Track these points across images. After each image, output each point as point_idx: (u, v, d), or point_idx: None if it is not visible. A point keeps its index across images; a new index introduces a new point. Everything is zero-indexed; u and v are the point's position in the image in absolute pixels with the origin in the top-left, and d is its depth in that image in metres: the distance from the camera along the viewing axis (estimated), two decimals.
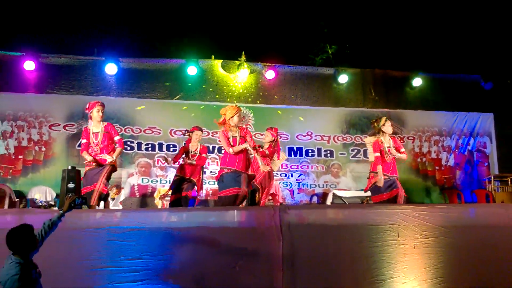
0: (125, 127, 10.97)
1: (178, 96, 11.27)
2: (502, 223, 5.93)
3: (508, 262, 5.73)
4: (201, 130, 8.60)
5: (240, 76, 11.65)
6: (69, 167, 8.79)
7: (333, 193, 10.09)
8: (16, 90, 10.68)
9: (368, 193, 9.91)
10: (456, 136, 12.31)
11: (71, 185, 8.17)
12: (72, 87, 10.99)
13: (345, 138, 11.94)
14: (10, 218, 5.10)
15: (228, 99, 11.55)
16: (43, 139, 10.66)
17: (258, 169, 8.14)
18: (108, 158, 7.15)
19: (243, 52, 11.53)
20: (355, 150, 11.91)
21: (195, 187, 8.31)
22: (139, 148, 10.87)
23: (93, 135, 7.29)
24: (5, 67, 10.68)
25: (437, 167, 12.24)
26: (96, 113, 7.30)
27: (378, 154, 7.69)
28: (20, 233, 4.03)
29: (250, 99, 11.67)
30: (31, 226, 4.11)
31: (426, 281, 5.61)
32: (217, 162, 10.74)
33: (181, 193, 8.12)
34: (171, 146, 11.07)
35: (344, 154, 11.85)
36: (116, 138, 7.48)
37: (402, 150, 7.81)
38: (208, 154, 8.93)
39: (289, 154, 11.40)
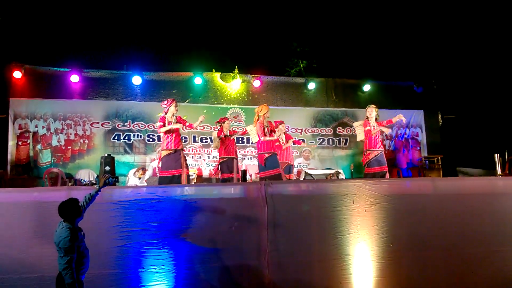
0: (148, 124, 10.90)
1: (187, 100, 11.18)
2: (430, 192, 5.97)
3: (434, 221, 5.78)
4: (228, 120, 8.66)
5: (234, 85, 11.60)
6: (106, 155, 8.82)
7: (305, 172, 10.09)
8: (65, 97, 10.58)
9: (331, 171, 9.98)
10: (396, 128, 12.34)
11: (107, 168, 8.18)
12: (107, 94, 10.89)
13: (313, 130, 11.93)
14: (62, 193, 5.06)
15: (225, 102, 11.52)
16: (86, 133, 10.58)
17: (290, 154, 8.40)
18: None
19: (236, 67, 11.50)
20: (321, 139, 11.92)
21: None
22: (159, 140, 10.80)
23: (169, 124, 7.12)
24: (56, 79, 10.56)
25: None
26: (173, 107, 7.17)
27: (368, 127, 7.82)
28: (69, 204, 4.02)
29: (242, 102, 11.63)
30: (77, 199, 4.09)
31: (374, 236, 5.66)
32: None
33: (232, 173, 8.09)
34: (183, 138, 11.00)
35: (313, 142, 11.84)
36: (187, 124, 7.35)
37: (383, 125, 7.86)
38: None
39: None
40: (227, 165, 8.16)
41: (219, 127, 8.54)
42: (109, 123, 10.73)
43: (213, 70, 11.66)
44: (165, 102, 7.27)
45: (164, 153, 7.04)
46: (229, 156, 8.15)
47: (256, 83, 11.64)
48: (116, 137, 10.73)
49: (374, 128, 7.77)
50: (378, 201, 5.73)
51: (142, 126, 10.88)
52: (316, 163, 11.73)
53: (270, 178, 7.08)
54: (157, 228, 5.27)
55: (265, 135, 7.35)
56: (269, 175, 7.20)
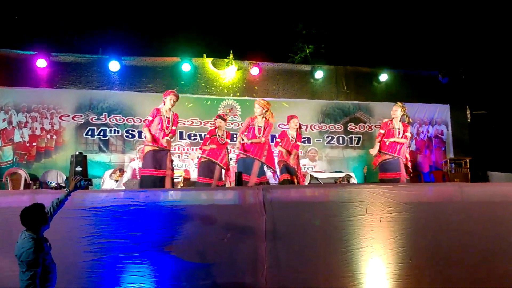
0: (127, 117, 10.89)
1: (174, 90, 11.18)
2: (455, 199, 5.97)
3: (460, 233, 5.78)
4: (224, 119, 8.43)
5: (228, 73, 11.60)
6: (77, 153, 8.81)
7: (310, 175, 10.09)
8: (30, 85, 10.54)
9: (340, 174, 10.00)
10: (417, 124, 12.35)
11: (78, 169, 8.16)
12: (79, 82, 10.87)
13: (320, 127, 11.94)
14: (25, 198, 5.04)
15: (217, 93, 11.52)
16: (54, 128, 10.55)
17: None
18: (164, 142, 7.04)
19: (231, 51, 11.48)
20: (329, 137, 11.93)
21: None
22: (139, 136, 10.77)
23: (165, 119, 7.13)
24: (20, 64, 10.52)
25: None
26: (168, 101, 7.19)
27: (382, 131, 7.84)
28: (33, 211, 3.99)
29: (237, 93, 11.63)
30: (42, 204, 4.07)
31: (390, 250, 5.65)
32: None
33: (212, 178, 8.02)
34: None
35: (320, 140, 11.87)
36: (173, 127, 7.29)
37: (406, 134, 7.79)
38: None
39: (272, 141, 11.37)
40: (207, 166, 8.09)
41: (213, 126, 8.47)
42: (81, 116, 10.70)
43: (204, 55, 11.66)
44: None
45: (147, 148, 7.03)
46: (211, 159, 8.08)
47: (254, 71, 11.64)
48: (90, 133, 10.71)
49: (395, 134, 7.72)
50: (395, 210, 5.71)
51: (120, 120, 10.86)
52: (324, 165, 11.74)
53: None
54: (136, 240, 5.25)
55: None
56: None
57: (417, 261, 5.67)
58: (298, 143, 8.33)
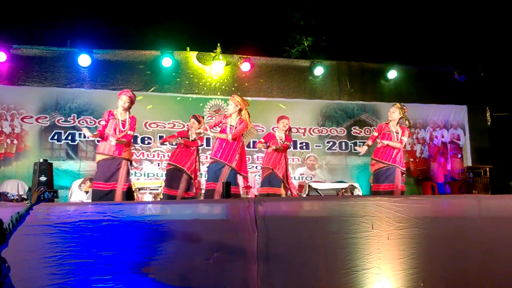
0: (99, 119, 10.75)
1: (153, 88, 11.18)
2: (474, 214, 5.98)
3: (480, 253, 5.79)
4: (199, 121, 8.36)
5: (215, 68, 11.61)
6: (41, 160, 8.74)
7: (309, 185, 10.07)
8: None
9: (343, 185, 10.01)
10: (430, 128, 12.42)
11: (43, 178, 8.10)
12: (44, 79, 10.83)
13: (320, 131, 11.98)
14: None
15: (203, 92, 11.51)
16: (15, 131, 10.50)
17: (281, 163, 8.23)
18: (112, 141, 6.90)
19: (219, 44, 11.48)
20: (331, 143, 11.96)
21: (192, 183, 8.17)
22: None
23: (120, 123, 7.08)
24: None
25: (411, 159, 12.34)
26: (120, 102, 7.16)
27: (376, 134, 7.93)
28: None
29: (225, 92, 11.62)
30: (0, 220, 4.03)
31: (400, 272, 5.64)
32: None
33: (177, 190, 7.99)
34: (146, 138, 11.00)
35: (320, 146, 11.90)
36: (130, 132, 7.19)
37: (402, 138, 7.79)
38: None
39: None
40: (172, 175, 8.09)
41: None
42: (46, 117, 10.67)
43: (187, 48, 11.67)
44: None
45: (98, 157, 6.99)
46: (177, 165, 8.06)
47: (245, 67, 11.66)
48: (56, 137, 10.66)
49: (390, 138, 7.75)
50: (405, 226, 5.72)
51: (90, 122, 10.82)
52: (324, 174, 11.78)
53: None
54: (109, 260, 5.21)
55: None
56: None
57: (430, 285, 5.66)
58: (287, 143, 8.31)
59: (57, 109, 10.72)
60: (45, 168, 8.37)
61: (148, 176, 10.85)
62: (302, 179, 11.47)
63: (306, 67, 12.20)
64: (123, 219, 5.33)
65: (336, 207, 5.84)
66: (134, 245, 5.28)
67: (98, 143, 7.23)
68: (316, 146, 11.87)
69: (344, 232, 5.62)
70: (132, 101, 7.26)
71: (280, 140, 8.29)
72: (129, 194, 7.09)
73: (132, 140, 7.38)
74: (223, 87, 11.67)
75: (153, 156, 10.93)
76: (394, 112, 7.90)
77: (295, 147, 11.63)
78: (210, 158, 7.55)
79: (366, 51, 13.47)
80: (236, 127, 7.43)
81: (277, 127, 8.52)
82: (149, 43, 11.84)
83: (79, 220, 5.27)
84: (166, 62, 11.22)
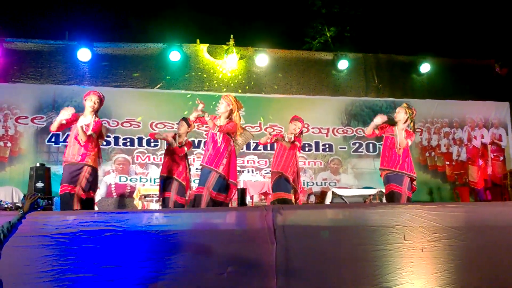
0: (101, 119, 10.88)
1: (159, 85, 11.23)
2: None
3: None
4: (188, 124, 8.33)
5: (228, 62, 11.64)
6: (38, 165, 8.78)
7: (333, 192, 10.07)
8: None
9: (371, 191, 9.98)
10: (468, 127, 12.34)
11: (39, 184, 8.14)
12: (40, 75, 10.94)
13: (345, 131, 11.95)
14: None
15: (214, 89, 11.53)
16: (9, 133, 10.61)
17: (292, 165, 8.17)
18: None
19: (232, 36, 11.51)
20: (357, 144, 11.92)
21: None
22: (116, 143, 10.83)
23: (83, 127, 6.91)
24: None
25: (447, 162, 12.27)
26: (87, 102, 7.03)
27: (377, 132, 7.73)
28: None
29: (239, 88, 11.65)
30: None
31: None
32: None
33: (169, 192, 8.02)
34: (152, 140, 11.03)
35: (345, 148, 11.86)
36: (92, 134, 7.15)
37: (407, 140, 7.69)
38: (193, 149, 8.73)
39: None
40: (164, 182, 8.11)
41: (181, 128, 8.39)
42: (42, 117, 10.76)
43: (198, 40, 11.71)
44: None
45: (64, 164, 7.06)
46: (167, 176, 8.08)
47: (261, 60, 11.69)
48: (53, 139, 10.75)
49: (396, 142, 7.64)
50: (441, 237, 5.69)
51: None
52: (350, 180, 11.75)
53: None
54: (112, 275, 5.24)
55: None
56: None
57: None
58: (296, 142, 8.19)
59: (55, 108, 10.78)
60: (42, 173, 8.41)
61: (155, 182, 10.87)
62: (325, 185, 11.46)
63: (328, 61, 12.20)
64: (127, 229, 5.36)
65: (363, 216, 5.83)
66: (139, 258, 5.30)
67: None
68: (340, 148, 11.83)
69: (372, 244, 5.60)
70: (101, 103, 7.17)
71: (288, 140, 8.05)
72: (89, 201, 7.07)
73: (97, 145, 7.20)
74: (237, 83, 11.70)
75: (160, 160, 10.94)
76: (399, 112, 7.67)
77: (317, 149, 11.62)
78: (200, 164, 7.58)
79: (395, 41, 13.39)
80: (226, 126, 7.37)
81: (288, 127, 8.28)
82: (155, 35, 11.88)
83: (79, 230, 5.30)
84: (174, 56, 11.26)
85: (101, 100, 7.16)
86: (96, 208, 9.40)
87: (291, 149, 8.08)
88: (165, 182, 8.05)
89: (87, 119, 6.97)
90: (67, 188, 6.82)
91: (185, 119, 8.28)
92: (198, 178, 7.52)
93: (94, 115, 7.09)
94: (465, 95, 12.25)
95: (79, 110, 10.63)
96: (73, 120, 6.95)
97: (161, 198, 8.19)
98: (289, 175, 8.04)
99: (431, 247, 5.66)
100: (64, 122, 6.89)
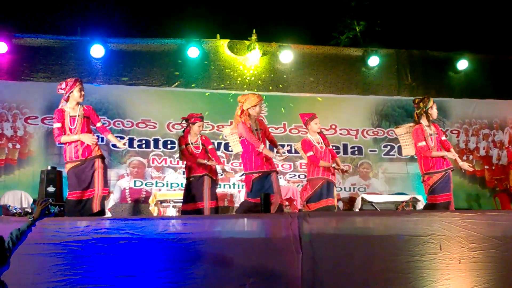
0: (114, 120, 10.98)
1: (176, 83, 11.27)
2: None
3: None
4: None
5: (250, 59, 11.67)
6: (49, 168, 8.80)
7: (362, 198, 10.05)
8: None
9: (404, 197, 9.93)
10: (510, 129, 12.24)
11: (51, 189, 8.15)
12: (51, 73, 11.02)
13: (376, 132, 11.90)
14: None
15: (235, 87, 11.54)
16: (18, 134, 10.71)
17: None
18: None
19: (254, 30, 11.52)
20: (388, 147, 11.86)
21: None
22: (131, 145, 10.87)
23: (70, 120, 6.99)
24: None
25: (486, 167, 12.17)
26: (76, 93, 6.96)
27: (423, 143, 7.40)
28: None
29: (262, 86, 11.67)
30: (1, 237, 4.10)
31: None
32: (224, 161, 10.61)
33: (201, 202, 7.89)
34: (169, 142, 11.07)
35: (375, 151, 11.81)
36: (98, 124, 7.27)
37: (444, 138, 7.65)
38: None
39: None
40: (195, 187, 8.01)
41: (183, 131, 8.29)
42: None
43: (218, 35, 11.74)
44: (63, 84, 7.01)
45: (68, 166, 7.05)
46: (197, 175, 8.00)
47: (285, 57, 11.68)
48: None
49: (438, 141, 7.55)
50: (481, 247, 5.66)
51: (105, 124, 10.91)
52: (380, 185, 11.71)
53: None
54: (127, 285, 5.27)
55: (260, 141, 7.24)
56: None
57: None
58: (331, 147, 8.13)
59: None
60: (54, 177, 8.41)
61: (172, 187, 10.92)
62: (353, 191, 11.43)
63: (358, 57, 12.18)
64: (143, 237, 5.39)
65: (395, 224, 5.81)
66: (156, 268, 5.32)
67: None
68: (370, 151, 11.79)
69: (405, 254, 5.59)
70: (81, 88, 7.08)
71: (318, 144, 7.93)
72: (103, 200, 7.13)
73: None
74: (259, 81, 11.70)
75: (177, 163, 10.97)
76: (435, 109, 7.82)
77: (345, 152, 11.58)
78: (258, 172, 7.45)
79: (430, 37, 13.33)
80: (241, 136, 7.38)
81: (308, 130, 8.10)
82: (172, 30, 11.94)
83: (92, 238, 5.34)
84: (193, 52, 11.29)
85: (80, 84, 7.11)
86: (109, 214, 9.51)
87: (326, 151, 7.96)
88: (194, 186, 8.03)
89: (75, 111, 7.01)
90: (83, 194, 6.87)
91: (185, 119, 8.18)
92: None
93: (80, 106, 7.08)
94: (506, 94, 12.13)
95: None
96: (61, 117, 6.98)
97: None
98: (333, 178, 7.90)
99: (470, 258, 5.62)
100: (58, 125, 6.94)
